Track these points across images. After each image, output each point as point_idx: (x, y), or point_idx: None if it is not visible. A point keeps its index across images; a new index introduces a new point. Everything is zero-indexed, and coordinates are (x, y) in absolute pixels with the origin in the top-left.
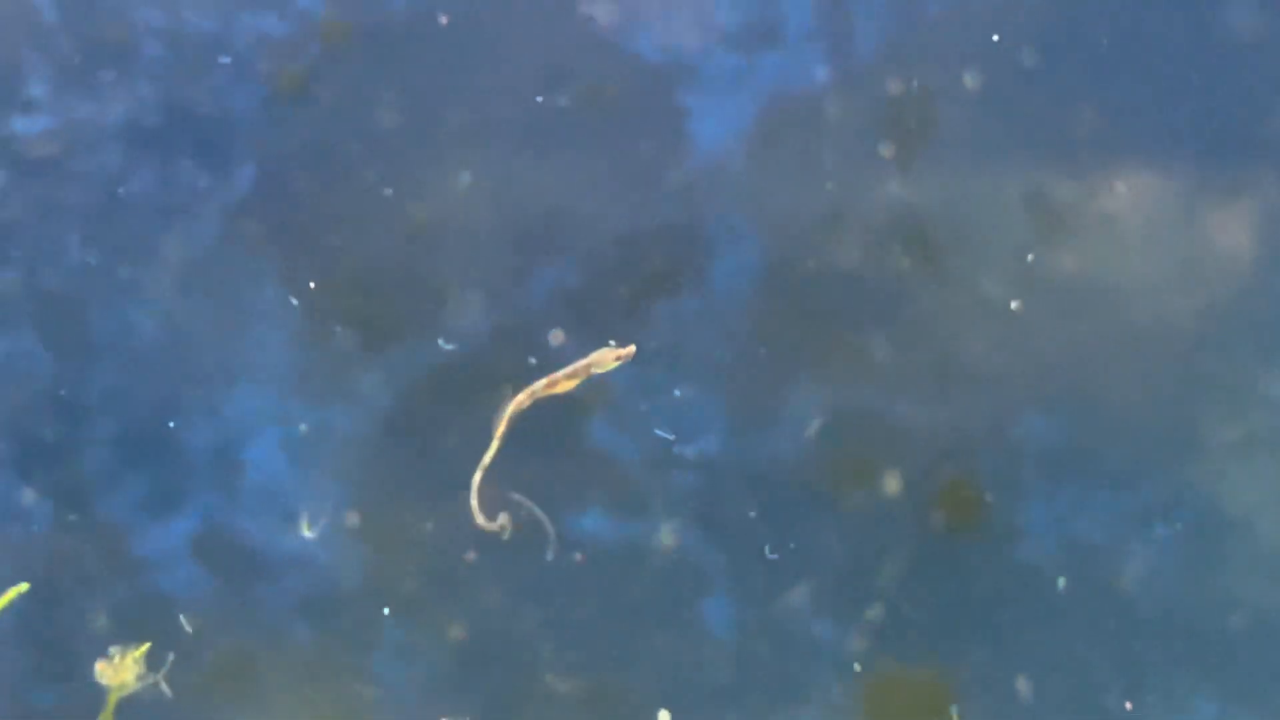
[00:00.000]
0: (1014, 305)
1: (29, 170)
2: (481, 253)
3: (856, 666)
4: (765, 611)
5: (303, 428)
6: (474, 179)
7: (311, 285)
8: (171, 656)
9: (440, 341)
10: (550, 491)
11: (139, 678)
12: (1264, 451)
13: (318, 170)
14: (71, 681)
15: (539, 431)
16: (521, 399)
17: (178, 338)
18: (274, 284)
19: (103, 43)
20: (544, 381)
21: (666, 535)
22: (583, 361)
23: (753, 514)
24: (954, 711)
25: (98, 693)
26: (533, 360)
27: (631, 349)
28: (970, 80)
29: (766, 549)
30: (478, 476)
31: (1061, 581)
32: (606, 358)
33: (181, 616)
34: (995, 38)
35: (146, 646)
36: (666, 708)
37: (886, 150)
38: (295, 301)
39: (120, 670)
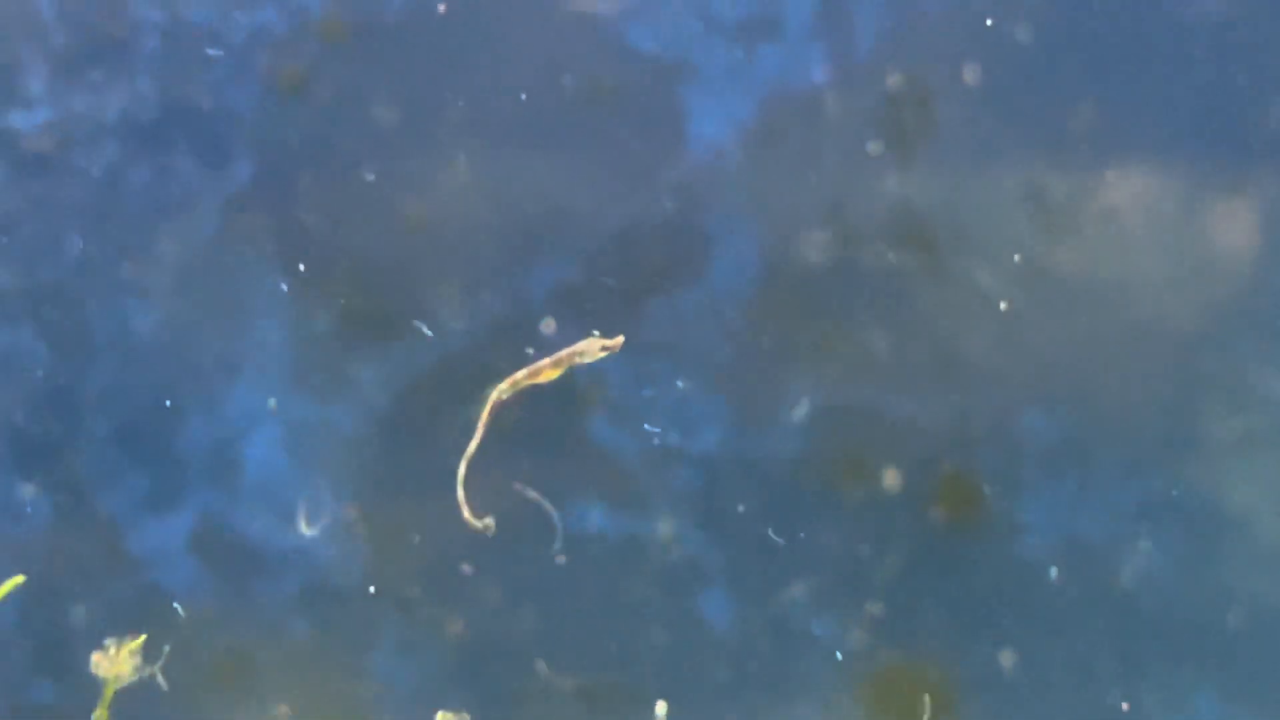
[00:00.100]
0: (1003, 305)
1: (26, 165)
2: (479, 248)
3: (838, 655)
4: (764, 607)
5: (301, 424)
6: (472, 175)
7: (309, 280)
8: (167, 649)
9: (421, 326)
10: (549, 488)
11: (135, 670)
12: (1263, 448)
13: (316, 166)
14: (69, 677)
15: (538, 428)
16: (503, 388)
17: (176, 333)
18: (272, 280)
19: (100, 38)
20: (526, 371)
21: (665, 531)
22: (566, 351)
23: (752, 509)
24: (926, 701)
25: (95, 689)
26: (531, 353)
27: (620, 340)
28: (970, 76)
29: (770, 533)
30: (463, 468)
31: (1054, 571)
32: (592, 347)
33: (175, 604)
34: (989, 22)
35: (143, 638)
36: (666, 703)
37: (886, 146)
38: (285, 287)
39: (116, 662)
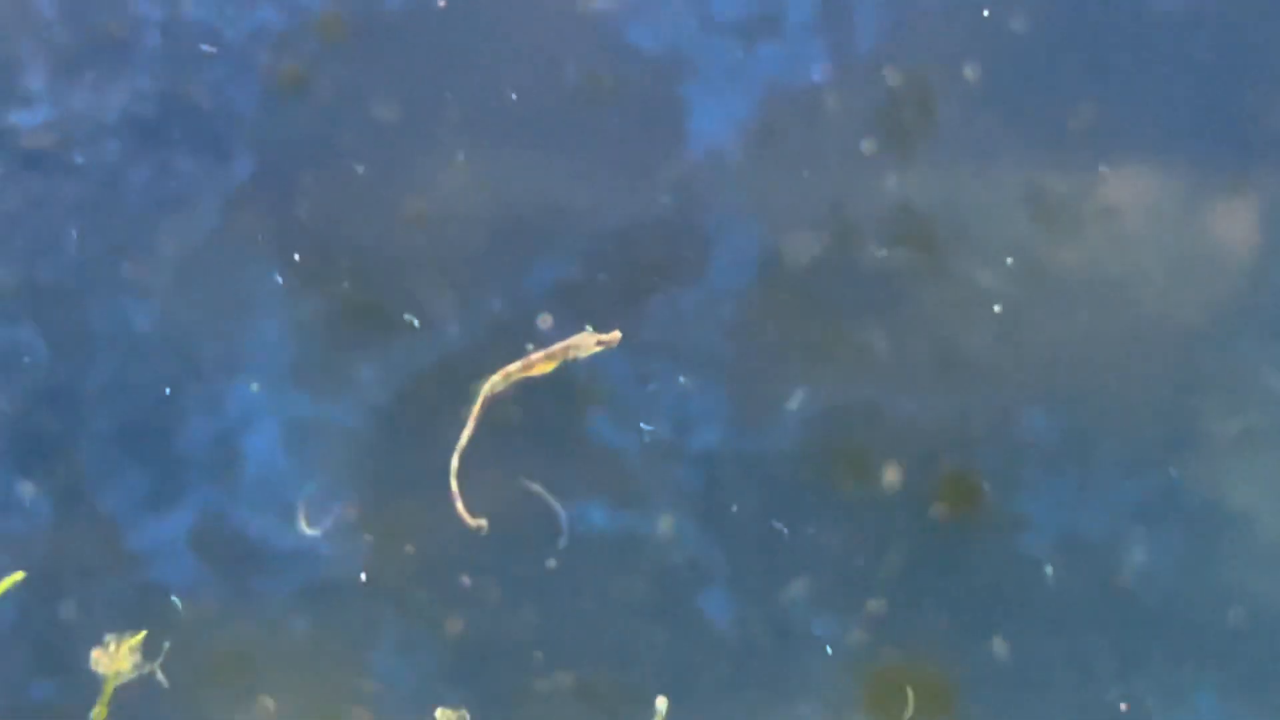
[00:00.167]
0: (996, 309)
1: (27, 163)
2: (479, 246)
3: (828, 649)
4: (764, 604)
5: (301, 420)
6: (472, 172)
7: (309, 277)
8: (167, 645)
9: (407, 318)
10: (549, 487)
11: (135, 666)
12: (1263, 445)
13: (316, 163)
14: (69, 675)
15: (538, 427)
16: (495, 380)
17: (176, 330)
18: (272, 277)
19: (101, 36)
20: (518, 364)
21: (665, 529)
22: (560, 345)
23: (752, 507)
24: (909, 693)
25: (95, 686)
26: (530, 350)
27: (616, 335)
28: (970, 73)
29: (775, 523)
30: (455, 460)
31: (1049, 569)
32: (587, 342)
33: (173, 597)
34: (985, 14)
35: (143, 635)
36: (667, 700)
37: (885, 144)
38: (285, 284)
39: (116, 659)
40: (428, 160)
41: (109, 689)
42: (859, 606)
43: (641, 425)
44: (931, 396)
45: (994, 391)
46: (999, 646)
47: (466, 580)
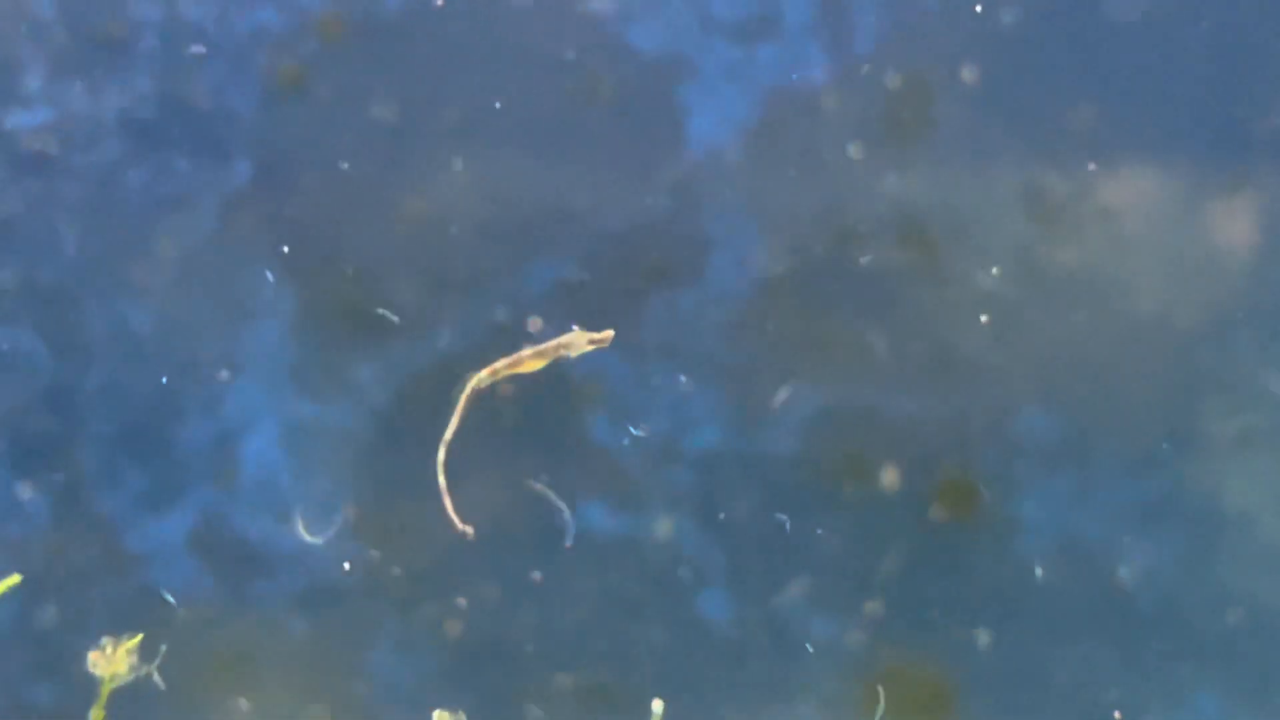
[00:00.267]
0: (983, 319)
1: (25, 165)
2: (478, 247)
3: (809, 647)
4: (763, 605)
5: (300, 422)
6: (471, 174)
7: (307, 279)
8: (164, 648)
9: (384, 313)
10: (548, 487)
11: (132, 668)
12: (1263, 446)
13: (314, 164)
14: (67, 678)
15: (536, 428)
16: (482, 376)
17: (174, 332)
18: (270, 278)
19: (99, 37)
20: (506, 360)
21: (663, 530)
22: (551, 342)
23: (750, 509)
24: (880, 692)
25: (93, 689)
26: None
27: (609, 334)
28: (969, 75)
29: (779, 516)
30: (442, 453)
31: (1039, 570)
32: (579, 340)
33: (165, 593)
34: (978, 9)
35: (140, 637)
36: (663, 702)
37: (884, 145)
38: (283, 286)
39: (113, 661)
40: (426, 161)
41: (105, 691)
42: (857, 608)
43: (630, 429)
44: (930, 398)
45: (993, 393)
46: (998, 648)
47: (465, 581)
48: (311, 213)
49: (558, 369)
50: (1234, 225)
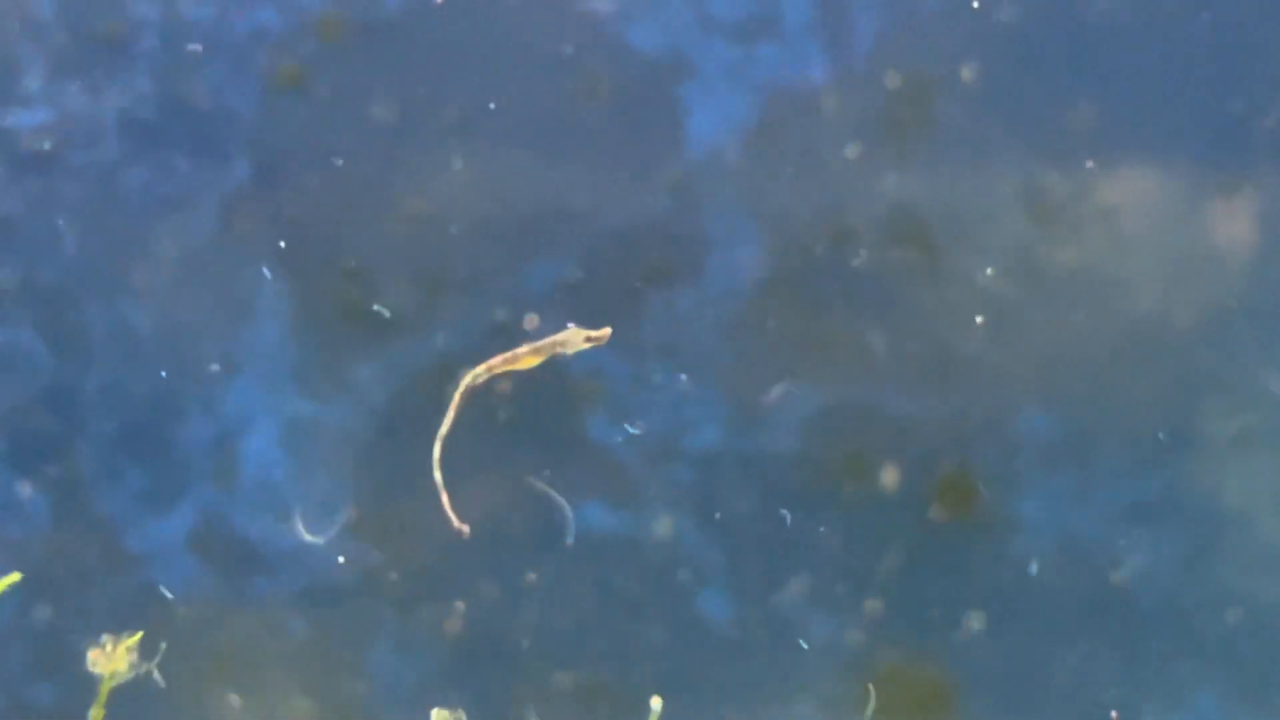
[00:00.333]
0: (979, 320)
1: (25, 164)
2: (478, 247)
3: (803, 644)
4: (762, 604)
5: (300, 421)
6: (470, 173)
7: (307, 278)
8: (164, 646)
9: (376, 308)
10: (547, 485)
11: (131, 666)
12: (1262, 446)
13: (314, 164)
14: (68, 676)
15: (536, 427)
16: (478, 371)
17: (174, 332)
18: (270, 278)
19: (99, 36)
20: (502, 357)
21: (663, 529)
22: (547, 340)
23: (749, 508)
24: (870, 688)
25: (94, 688)
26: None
27: (606, 332)
28: (969, 75)
29: (782, 511)
30: (437, 449)
31: (1033, 568)
32: (575, 338)
33: (163, 588)
34: (975, 4)
35: (139, 635)
36: (663, 701)
37: (884, 145)
38: (283, 285)
39: (113, 659)
40: (426, 160)
41: (105, 690)
42: (857, 607)
43: (626, 428)
44: (930, 397)
45: (992, 392)
46: (997, 647)
47: (464, 581)
48: (311, 212)
49: (557, 368)
50: (1234, 225)
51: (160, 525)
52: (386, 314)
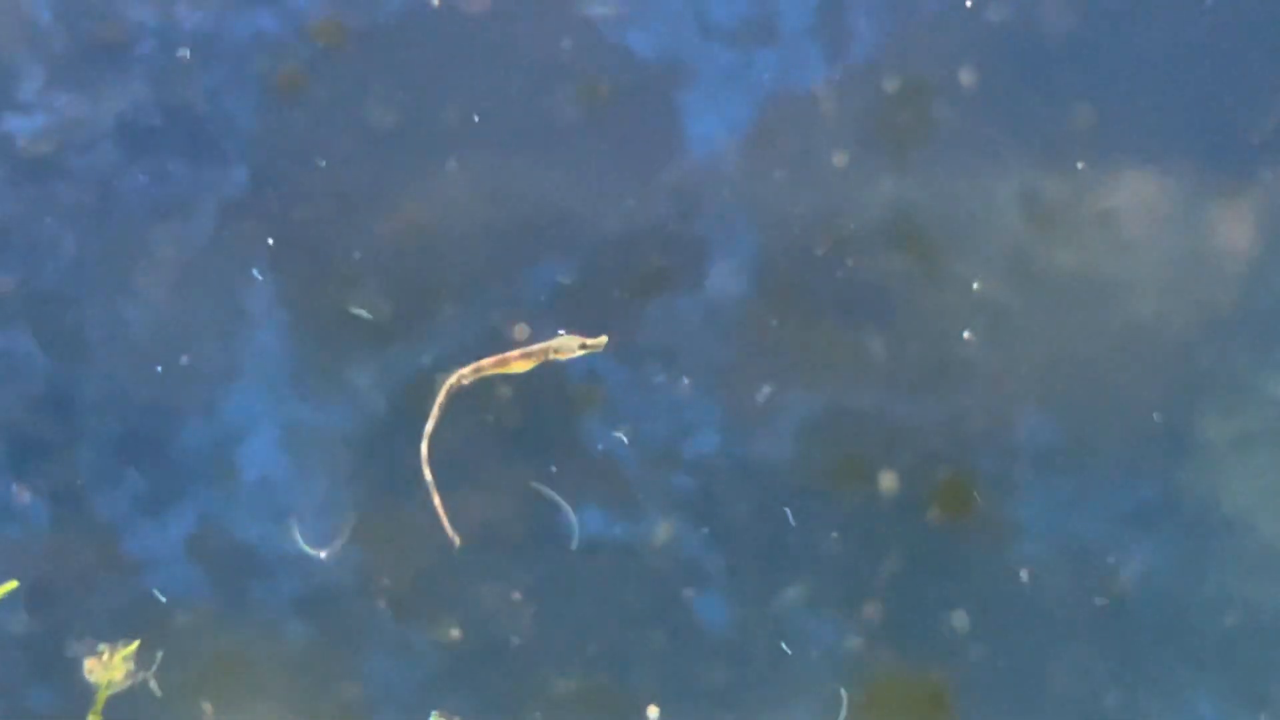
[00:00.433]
0: (966, 335)
1: (23, 170)
2: (476, 251)
3: (785, 648)
4: (760, 611)
5: (299, 426)
6: (469, 178)
7: (305, 283)
8: (161, 654)
9: (355, 310)
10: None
11: (128, 675)
12: (1262, 448)
13: (313, 169)
14: (64, 683)
15: (534, 431)
16: (464, 373)
17: (172, 336)
18: (268, 283)
19: (97, 42)
20: (492, 359)
21: (661, 535)
22: (540, 345)
23: (748, 513)
24: (843, 694)
25: (90, 696)
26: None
27: (603, 339)
28: (968, 79)
29: (785, 509)
30: (425, 447)
31: (1024, 574)
32: (570, 345)
33: (155, 591)
34: (968, 4)
35: (136, 644)
36: (661, 706)
37: (883, 149)
38: (281, 290)
39: (109, 667)
40: (425, 165)
41: (102, 698)
42: (855, 612)
43: (614, 434)
44: (928, 402)
45: (992, 396)
46: (994, 651)
47: (462, 585)
48: (310, 217)
49: (555, 374)
50: (1233, 227)
51: (158, 531)
52: (367, 315)
